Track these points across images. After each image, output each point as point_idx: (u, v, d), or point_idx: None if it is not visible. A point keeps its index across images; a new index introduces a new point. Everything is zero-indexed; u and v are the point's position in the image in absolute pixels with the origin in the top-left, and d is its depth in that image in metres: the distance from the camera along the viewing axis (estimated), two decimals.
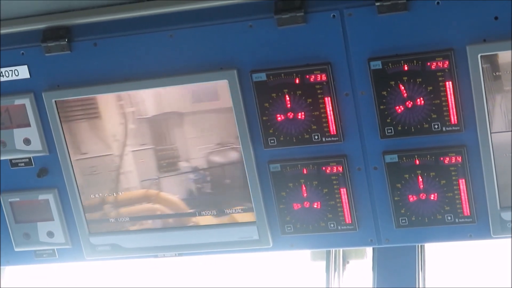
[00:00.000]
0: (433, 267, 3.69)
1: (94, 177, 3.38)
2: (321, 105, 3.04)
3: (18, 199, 3.50)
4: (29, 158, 3.44)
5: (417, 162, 3.03)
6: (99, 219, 3.43)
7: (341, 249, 3.83)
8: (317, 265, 3.94)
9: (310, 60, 3.01)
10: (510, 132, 2.94)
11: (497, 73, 2.88)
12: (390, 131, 3.02)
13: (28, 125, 3.35)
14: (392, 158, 3.06)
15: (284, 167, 3.16)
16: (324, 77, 3.00)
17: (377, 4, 2.87)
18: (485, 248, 3.76)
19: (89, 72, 3.22)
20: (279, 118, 3.09)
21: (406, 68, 2.92)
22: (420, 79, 2.92)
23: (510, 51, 2.83)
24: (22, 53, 3.28)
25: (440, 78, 2.90)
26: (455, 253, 3.79)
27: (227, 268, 4.16)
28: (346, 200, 3.15)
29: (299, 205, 3.20)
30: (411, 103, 2.96)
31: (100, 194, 3.40)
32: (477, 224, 3.08)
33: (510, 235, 3.04)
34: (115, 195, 3.39)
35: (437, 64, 2.89)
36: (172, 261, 3.70)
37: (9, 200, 3.51)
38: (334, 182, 3.13)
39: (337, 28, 2.96)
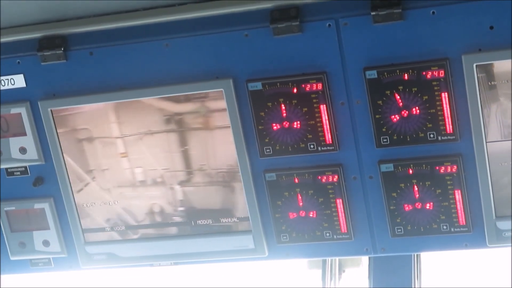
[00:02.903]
0: (429, 276, 3.69)
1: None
2: (316, 114, 3.04)
3: (13, 208, 3.49)
4: (25, 167, 3.43)
5: (413, 171, 3.03)
6: (95, 228, 3.42)
7: (337, 258, 3.84)
8: (314, 274, 3.95)
9: (306, 69, 3.01)
10: (508, 141, 2.93)
11: (492, 83, 2.88)
12: (385, 140, 3.01)
13: (24, 134, 3.34)
14: (387, 167, 3.06)
15: (280, 176, 3.16)
16: (319, 86, 3.00)
17: (373, 13, 2.88)
18: (482, 256, 3.76)
19: (85, 81, 3.22)
20: (274, 127, 3.09)
21: (401, 77, 2.92)
22: (416, 89, 2.92)
23: (505, 61, 2.83)
24: (18, 62, 3.27)
25: (435, 88, 2.90)
26: (451, 261, 3.80)
27: (224, 277, 4.16)
28: (342, 209, 3.14)
29: (294, 214, 3.20)
30: (407, 112, 2.96)
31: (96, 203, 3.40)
32: (472, 234, 3.07)
33: (506, 245, 3.04)
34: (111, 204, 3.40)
35: (432, 73, 2.89)
36: (169, 269, 3.69)
37: (5, 209, 3.50)
38: (330, 191, 3.13)
39: (332, 38, 2.96)
